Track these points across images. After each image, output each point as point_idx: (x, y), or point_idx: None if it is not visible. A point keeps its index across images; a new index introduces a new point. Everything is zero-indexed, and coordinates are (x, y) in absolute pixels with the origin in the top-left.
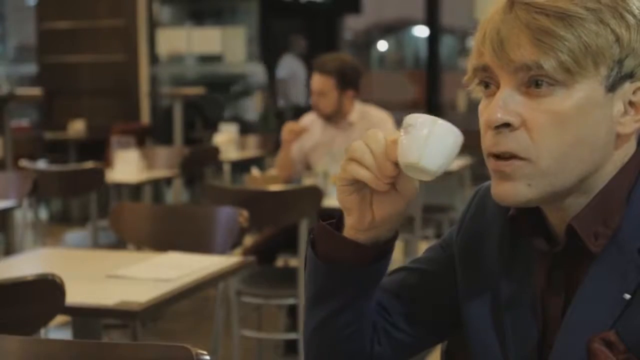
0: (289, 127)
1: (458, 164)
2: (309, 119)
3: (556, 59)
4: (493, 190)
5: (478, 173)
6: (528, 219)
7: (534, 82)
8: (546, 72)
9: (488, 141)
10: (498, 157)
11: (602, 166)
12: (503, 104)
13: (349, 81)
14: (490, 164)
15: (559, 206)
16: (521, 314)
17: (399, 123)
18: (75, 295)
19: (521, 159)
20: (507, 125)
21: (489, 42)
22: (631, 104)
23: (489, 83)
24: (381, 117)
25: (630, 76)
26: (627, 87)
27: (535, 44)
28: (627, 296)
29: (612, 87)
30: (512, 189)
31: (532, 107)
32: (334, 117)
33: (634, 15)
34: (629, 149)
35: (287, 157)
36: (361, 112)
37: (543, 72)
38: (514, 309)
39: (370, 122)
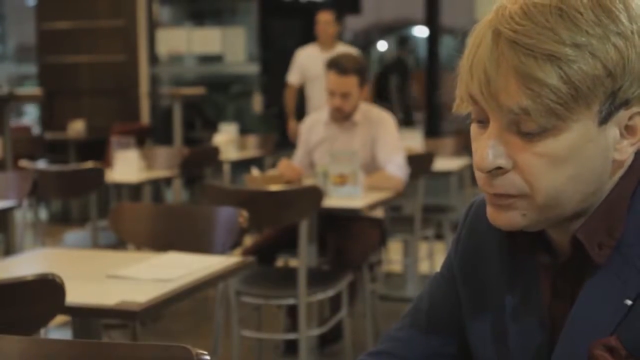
0: (283, 169)
1: (458, 164)
2: (313, 119)
3: (545, 106)
4: (489, 216)
5: None
6: (526, 234)
7: (523, 124)
8: (535, 119)
9: (481, 181)
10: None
11: (600, 189)
12: (493, 146)
13: (365, 76)
14: (486, 196)
15: (557, 227)
16: (528, 325)
17: (400, 123)
18: (75, 295)
19: (516, 196)
20: (498, 167)
21: (476, 81)
22: (627, 128)
23: (479, 113)
24: (383, 116)
25: (625, 104)
26: (622, 114)
27: (523, 91)
28: (629, 302)
29: (605, 119)
30: (507, 218)
31: (523, 149)
32: (347, 117)
33: (626, 38)
34: (626, 160)
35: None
36: (365, 111)
37: (531, 118)
38: (520, 322)
39: (373, 121)
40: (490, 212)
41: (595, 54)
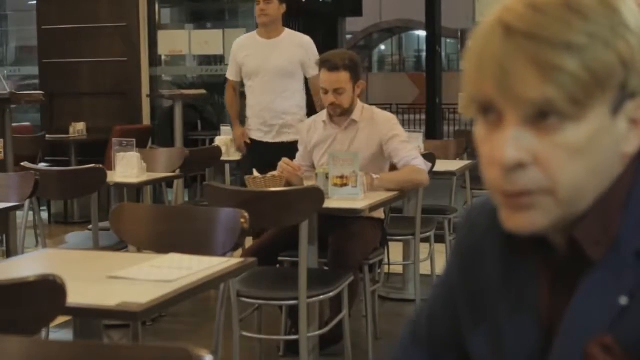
0: (285, 166)
1: (458, 165)
2: (313, 120)
3: (567, 93)
4: (505, 220)
5: (478, 175)
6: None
7: (543, 116)
8: (557, 108)
9: (497, 180)
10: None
11: (610, 184)
12: (514, 141)
13: (358, 72)
14: (499, 198)
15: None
16: (524, 325)
17: (401, 124)
18: (76, 296)
19: (536, 193)
20: (519, 163)
21: (490, 75)
22: (633, 121)
23: (489, 112)
24: (389, 116)
25: (631, 95)
26: (630, 105)
27: (543, 80)
28: (624, 300)
29: (615, 109)
30: (528, 220)
31: (544, 143)
32: (345, 113)
33: (631, 30)
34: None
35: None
36: (365, 111)
37: (554, 107)
38: (517, 322)
39: (378, 122)
40: (507, 215)
41: (608, 44)
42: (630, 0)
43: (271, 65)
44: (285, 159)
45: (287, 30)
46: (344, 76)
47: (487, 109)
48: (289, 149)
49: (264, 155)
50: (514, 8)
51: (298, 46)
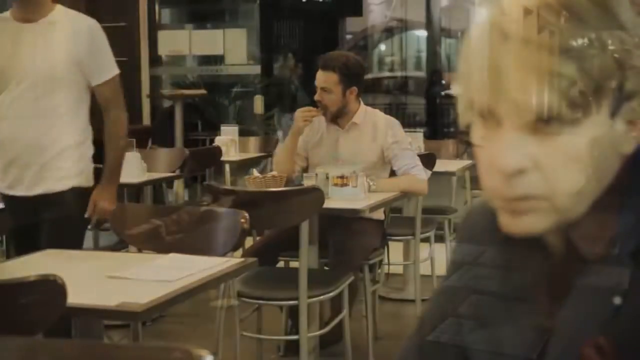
0: (304, 113)
1: (458, 165)
2: (315, 118)
3: (567, 100)
4: (504, 224)
5: (477, 175)
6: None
7: (543, 121)
8: (557, 113)
9: (496, 185)
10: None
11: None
12: (514, 148)
13: (353, 77)
14: (499, 203)
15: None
16: (522, 327)
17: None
18: (76, 296)
19: (536, 197)
20: (520, 169)
21: (487, 82)
22: (630, 122)
23: (487, 117)
24: (390, 121)
25: (629, 97)
26: (627, 106)
27: (541, 85)
28: (618, 300)
29: (614, 112)
30: (528, 224)
31: (544, 148)
32: (339, 116)
33: (627, 30)
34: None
35: (293, 147)
36: (368, 114)
37: (553, 113)
38: (514, 322)
39: (378, 126)
40: (506, 219)
41: (605, 47)
42: (625, 0)
43: (28, 67)
44: (300, 109)
45: (59, 8)
46: (332, 77)
47: (485, 114)
48: (58, 203)
49: (20, 215)
50: (509, 12)
51: (76, 34)
